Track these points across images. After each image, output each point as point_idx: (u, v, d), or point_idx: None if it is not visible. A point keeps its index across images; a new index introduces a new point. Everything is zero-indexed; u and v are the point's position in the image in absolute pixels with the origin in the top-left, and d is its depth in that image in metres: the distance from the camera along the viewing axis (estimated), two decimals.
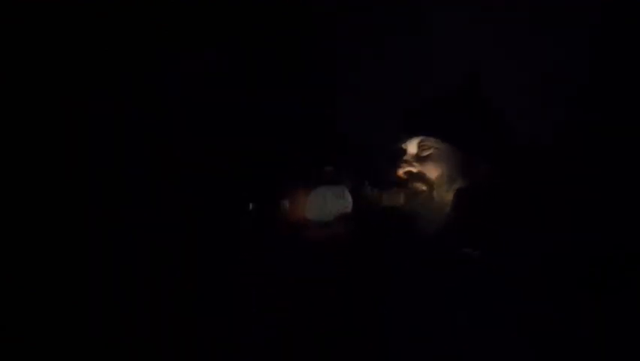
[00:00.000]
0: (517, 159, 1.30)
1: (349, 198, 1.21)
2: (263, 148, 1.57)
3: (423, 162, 1.24)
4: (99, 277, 1.46)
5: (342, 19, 1.60)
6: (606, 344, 1.05)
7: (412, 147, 1.26)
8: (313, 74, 1.59)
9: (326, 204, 1.20)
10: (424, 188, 1.22)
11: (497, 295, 1.08)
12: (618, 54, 1.46)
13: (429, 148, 1.24)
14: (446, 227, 1.19)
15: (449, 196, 1.21)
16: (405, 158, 1.25)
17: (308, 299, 1.30)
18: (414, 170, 1.24)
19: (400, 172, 1.24)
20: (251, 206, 1.21)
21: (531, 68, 1.55)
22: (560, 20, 1.52)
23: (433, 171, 1.23)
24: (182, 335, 1.43)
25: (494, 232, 1.16)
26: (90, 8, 1.53)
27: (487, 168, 1.22)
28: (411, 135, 1.26)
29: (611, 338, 1.06)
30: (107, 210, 1.50)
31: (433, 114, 1.29)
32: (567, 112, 1.51)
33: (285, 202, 1.21)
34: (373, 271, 1.24)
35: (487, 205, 1.20)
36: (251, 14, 1.64)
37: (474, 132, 1.26)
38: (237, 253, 1.46)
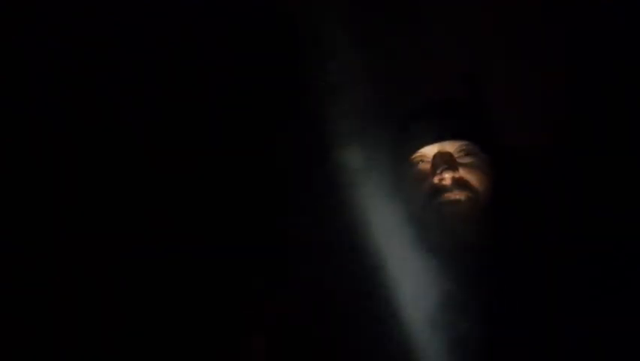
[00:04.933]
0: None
1: None
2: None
3: (465, 168, 1.13)
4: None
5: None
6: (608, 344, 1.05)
7: (449, 149, 1.14)
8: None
9: None
10: (468, 196, 1.12)
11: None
12: (619, 55, 1.46)
13: (472, 154, 1.15)
14: (486, 237, 1.12)
15: (489, 207, 1.13)
16: (444, 162, 1.13)
17: None
18: (458, 175, 1.12)
19: (445, 177, 1.12)
20: None
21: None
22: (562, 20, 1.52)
23: (477, 179, 1.13)
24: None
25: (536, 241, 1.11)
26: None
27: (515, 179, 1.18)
28: (450, 138, 1.15)
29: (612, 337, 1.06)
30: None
31: (479, 118, 1.20)
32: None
33: None
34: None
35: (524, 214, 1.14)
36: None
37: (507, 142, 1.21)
38: None
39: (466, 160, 1.15)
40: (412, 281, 1.10)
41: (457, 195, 1.12)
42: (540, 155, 1.43)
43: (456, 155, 1.15)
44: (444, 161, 1.13)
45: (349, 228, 1.23)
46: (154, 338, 1.41)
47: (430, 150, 1.17)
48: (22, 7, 1.48)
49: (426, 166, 1.17)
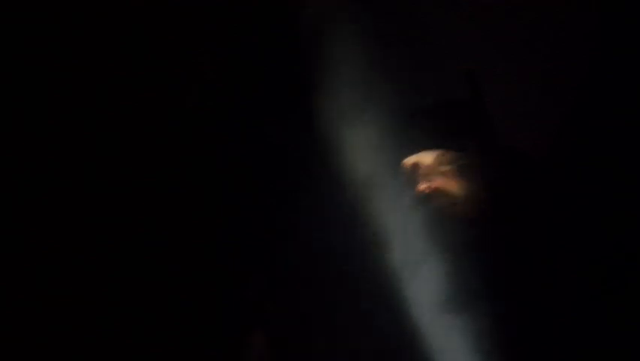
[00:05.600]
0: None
1: None
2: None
3: (445, 176, 1.16)
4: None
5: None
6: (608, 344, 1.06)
7: (427, 160, 1.18)
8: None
9: None
10: (448, 203, 1.14)
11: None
12: (619, 56, 1.46)
13: (450, 162, 1.18)
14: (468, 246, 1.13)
15: (473, 214, 1.15)
16: (422, 172, 1.17)
17: None
18: (436, 185, 1.16)
19: (422, 187, 1.16)
20: None
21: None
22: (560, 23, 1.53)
23: (457, 187, 1.16)
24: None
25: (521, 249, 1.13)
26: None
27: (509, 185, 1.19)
28: (428, 147, 1.18)
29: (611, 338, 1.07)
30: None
31: (456, 125, 1.22)
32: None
33: None
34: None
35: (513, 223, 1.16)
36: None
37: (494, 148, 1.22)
38: None
39: (445, 169, 1.17)
40: (414, 280, 1.11)
41: (437, 203, 1.16)
42: (540, 155, 1.43)
43: (435, 164, 1.18)
44: (420, 173, 1.18)
45: (350, 225, 1.24)
46: (154, 338, 1.41)
47: (411, 160, 1.21)
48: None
49: (411, 175, 1.20)
